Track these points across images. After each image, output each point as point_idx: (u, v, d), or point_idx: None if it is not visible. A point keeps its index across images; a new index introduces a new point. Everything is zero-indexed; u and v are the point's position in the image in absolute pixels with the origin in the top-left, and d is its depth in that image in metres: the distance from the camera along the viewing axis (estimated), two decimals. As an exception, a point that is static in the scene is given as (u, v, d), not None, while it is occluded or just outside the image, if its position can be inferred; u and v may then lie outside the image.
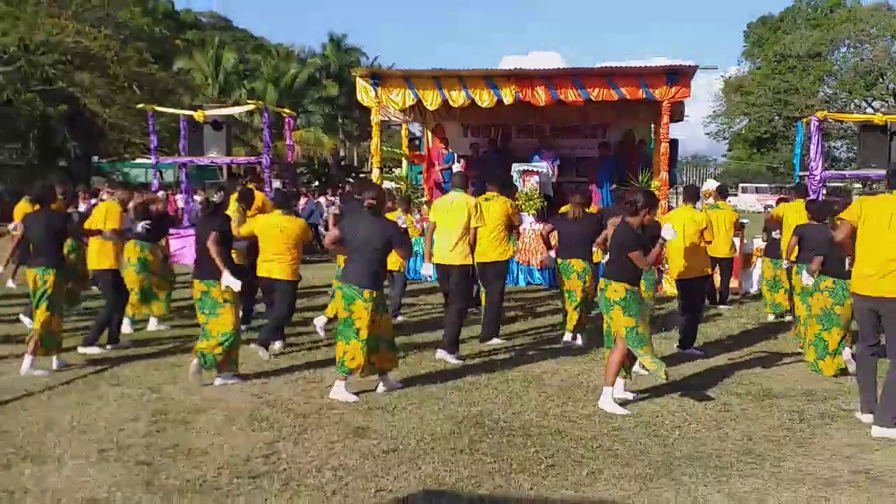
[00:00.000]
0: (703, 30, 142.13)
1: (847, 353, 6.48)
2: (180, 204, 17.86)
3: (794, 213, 8.22)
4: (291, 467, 4.34)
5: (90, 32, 23.52)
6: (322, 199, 18.86)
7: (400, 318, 8.70)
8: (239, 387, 5.93)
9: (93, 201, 12.19)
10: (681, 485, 4.16)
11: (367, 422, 5.12)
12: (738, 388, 6.08)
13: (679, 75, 11.24)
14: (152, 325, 8.18)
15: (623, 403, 5.50)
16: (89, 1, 25.44)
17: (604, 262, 6.20)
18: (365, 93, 12.29)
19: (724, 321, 8.99)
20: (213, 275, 5.92)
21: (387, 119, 14.60)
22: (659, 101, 11.39)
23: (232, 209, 7.13)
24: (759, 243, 10.84)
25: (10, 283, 10.28)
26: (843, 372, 6.41)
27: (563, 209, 9.03)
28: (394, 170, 18.12)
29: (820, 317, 6.51)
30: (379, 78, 12.32)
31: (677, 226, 7.29)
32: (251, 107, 16.56)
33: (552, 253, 7.85)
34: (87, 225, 7.37)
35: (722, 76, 50.56)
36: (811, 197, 9.72)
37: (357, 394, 5.65)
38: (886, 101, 42.50)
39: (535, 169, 12.39)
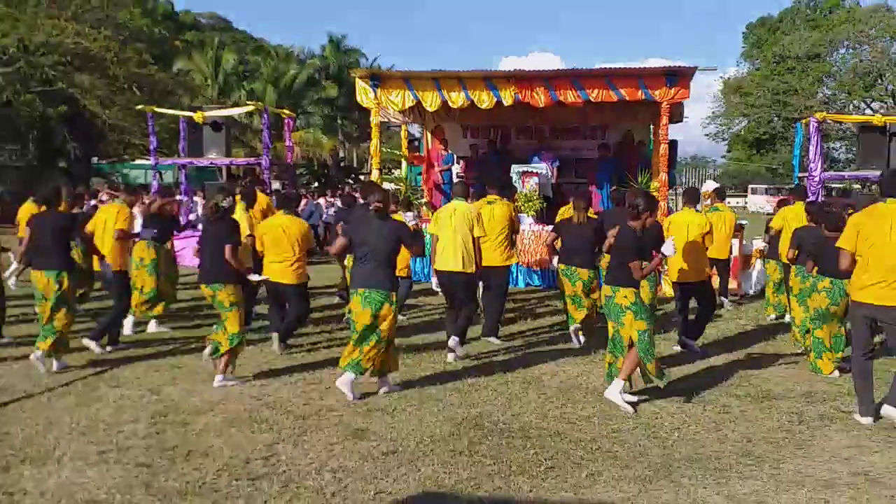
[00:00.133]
0: (702, 30, 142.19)
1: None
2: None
3: (795, 217, 8.21)
4: (291, 469, 4.35)
5: (90, 33, 23.54)
6: (322, 201, 18.83)
7: (400, 318, 8.67)
8: (238, 389, 5.93)
9: (92, 202, 12.20)
10: (680, 486, 4.16)
11: (366, 423, 5.12)
12: (738, 389, 6.09)
13: (678, 76, 11.24)
14: (152, 326, 8.19)
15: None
16: (89, 2, 25.46)
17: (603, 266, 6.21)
18: (364, 94, 12.30)
19: (724, 322, 8.99)
20: (219, 278, 6.05)
21: (386, 120, 14.60)
22: (658, 102, 11.39)
23: (238, 214, 7.19)
24: (758, 244, 10.83)
25: (12, 284, 10.27)
26: (843, 370, 6.42)
27: (562, 210, 9.04)
28: (393, 171, 18.11)
29: (813, 317, 6.58)
30: (378, 79, 12.32)
31: (680, 230, 7.32)
32: (250, 108, 16.55)
33: (555, 261, 7.74)
34: (88, 227, 7.39)
35: (721, 77, 50.65)
36: (810, 198, 9.73)
37: (358, 397, 5.66)
38: (885, 103, 42.48)
39: (534, 170, 12.40)
